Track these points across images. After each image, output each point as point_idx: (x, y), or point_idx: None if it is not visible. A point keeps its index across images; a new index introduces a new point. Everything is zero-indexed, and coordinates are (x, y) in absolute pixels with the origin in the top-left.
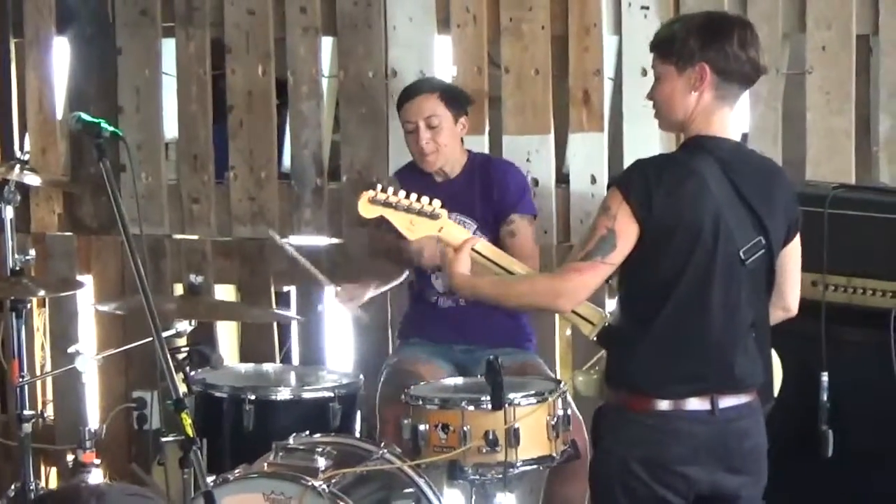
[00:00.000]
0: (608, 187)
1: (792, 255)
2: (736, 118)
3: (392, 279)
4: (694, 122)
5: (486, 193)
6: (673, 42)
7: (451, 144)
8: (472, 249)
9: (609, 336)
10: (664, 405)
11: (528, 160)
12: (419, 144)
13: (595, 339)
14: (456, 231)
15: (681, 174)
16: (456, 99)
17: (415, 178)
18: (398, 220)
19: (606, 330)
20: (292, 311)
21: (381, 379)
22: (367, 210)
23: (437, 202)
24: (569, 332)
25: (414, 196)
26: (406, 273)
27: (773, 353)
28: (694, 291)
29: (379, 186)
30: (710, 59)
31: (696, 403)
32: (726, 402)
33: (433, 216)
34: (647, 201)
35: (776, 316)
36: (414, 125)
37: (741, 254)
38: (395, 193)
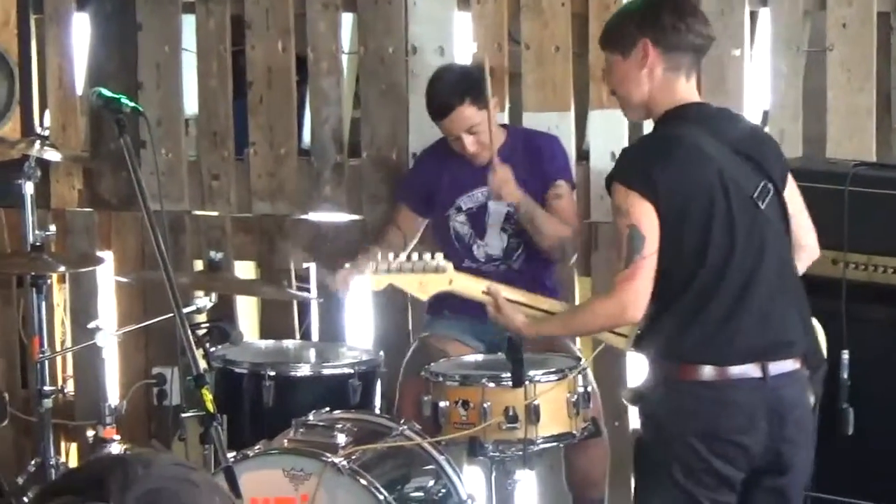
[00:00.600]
0: (607, 186)
1: (794, 197)
2: (695, 87)
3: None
4: (656, 101)
5: (533, 163)
6: (613, 30)
7: (492, 133)
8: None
9: (644, 339)
10: (714, 373)
11: None
12: (467, 150)
13: (633, 349)
14: (465, 280)
15: (668, 146)
16: (482, 92)
17: (447, 155)
18: (407, 284)
19: (640, 337)
20: (312, 288)
21: (410, 352)
22: (375, 283)
23: (439, 255)
24: None
25: (415, 255)
26: (411, 244)
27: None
28: (723, 252)
29: (379, 255)
30: (649, 34)
31: (747, 370)
32: (777, 368)
33: (439, 270)
34: (649, 180)
35: (802, 260)
36: (455, 136)
37: (755, 199)
38: (396, 257)
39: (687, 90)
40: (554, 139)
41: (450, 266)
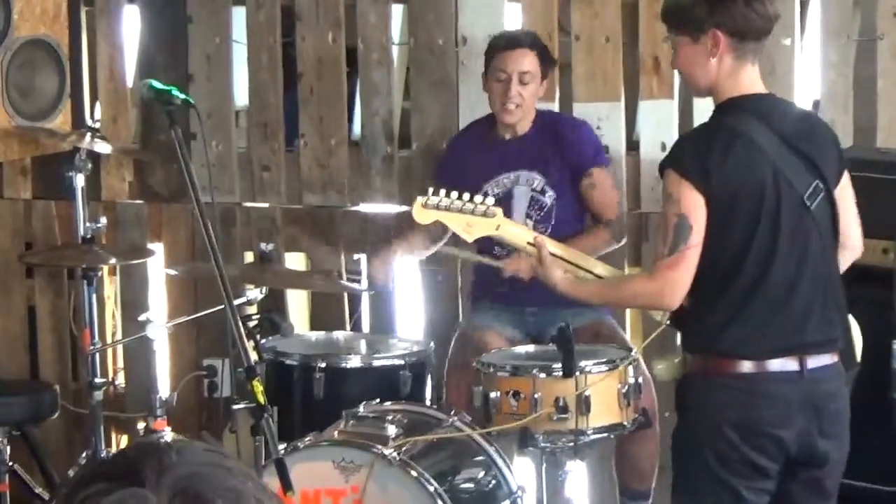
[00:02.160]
0: (660, 171)
1: (845, 194)
2: (758, 71)
3: (419, 251)
4: (722, 87)
5: (559, 151)
6: (681, 12)
7: (532, 102)
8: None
9: (683, 314)
10: (751, 367)
11: (598, 127)
12: (507, 94)
13: (668, 322)
14: (513, 228)
15: (727, 138)
16: (548, 58)
17: (480, 136)
18: (454, 223)
19: (678, 312)
20: (363, 279)
21: (451, 346)
22: (421, 215)
23: (490, 200)
24: None
25: (467, 196)
26: (433, 248)
27: (851, 319)
28: (766, 248)
29: (430, 190)
30: (720, 22)
31: (784, 364)
32: (814, 362)
33: (488, 215)
34: (704, 171)
35: (845, 258)
36: (507, 75)
37: (805, 200)
38: (448, 195)
39: (751, 77)
40: (579, 125)
41: (499, 211)
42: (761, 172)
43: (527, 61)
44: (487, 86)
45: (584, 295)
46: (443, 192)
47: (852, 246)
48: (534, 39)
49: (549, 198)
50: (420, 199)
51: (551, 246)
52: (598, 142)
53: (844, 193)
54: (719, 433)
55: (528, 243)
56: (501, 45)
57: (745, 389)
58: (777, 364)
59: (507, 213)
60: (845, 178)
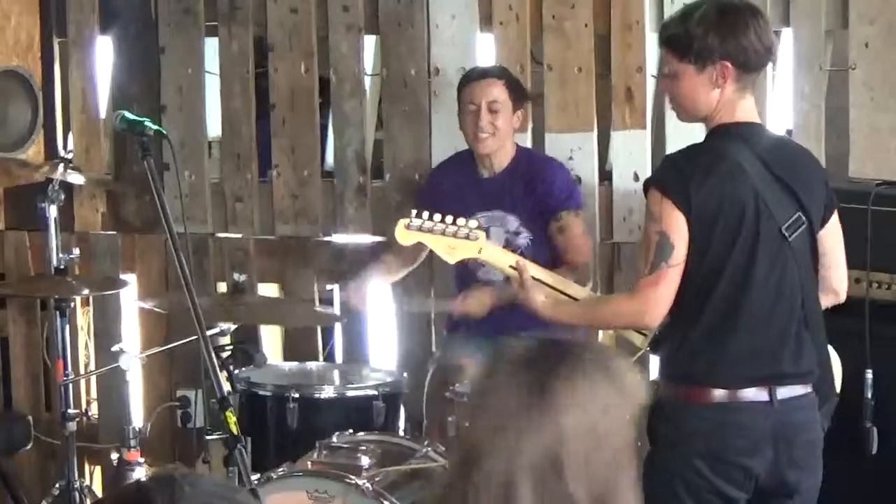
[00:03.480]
0: (644, 189)
1: (833, 236)
2: (753, 101)
3: (392, 274)
4: (718, 116)
5: (530, 191)
6: (690, 40)
7: (506, 132)
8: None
9: (661, 341)
10: (721, 395)
11: (570, 158)
12: (478, 125)
13: (648, 348)
14: (495, 252)
15: (712, 159)
16: (519, 90)
17: (457, 172)
18: (437, 245)
19: (657, 338)
20: (335, 310)
21: (428, 377)
22: (404, 237)
23: (473, 223)
24: None
25: (450, 218)
26: (409, 268)
27: (831, 349)
28: (741, 274)
29: (414, 212)
30: (731, 55)
31: (754, 393)
32: (784, 392)
33: (471, 238)
34: (686, 191)
35: (826, 301)
36: (476, 106)
37: (784, 230)
38: (431, 218)
39: (747, 106)
40: (554, 166)
41: (482, 235)
42: (743, 195)
43: (495, 91)
44: (461, 121)
45: (566, 317)
46: (426, 214)
47: (836, 291)
48: (501, 71)
49: (524, 238)
50: (403, 221)
51: (533, 270)
52: (573, 186)
53: (833, 235)
54: (688, 463)
55: (510, 266)
56: (469, 78)
57: (715, 419)
58: (749, 393)
59: None
60: (834, 219)
